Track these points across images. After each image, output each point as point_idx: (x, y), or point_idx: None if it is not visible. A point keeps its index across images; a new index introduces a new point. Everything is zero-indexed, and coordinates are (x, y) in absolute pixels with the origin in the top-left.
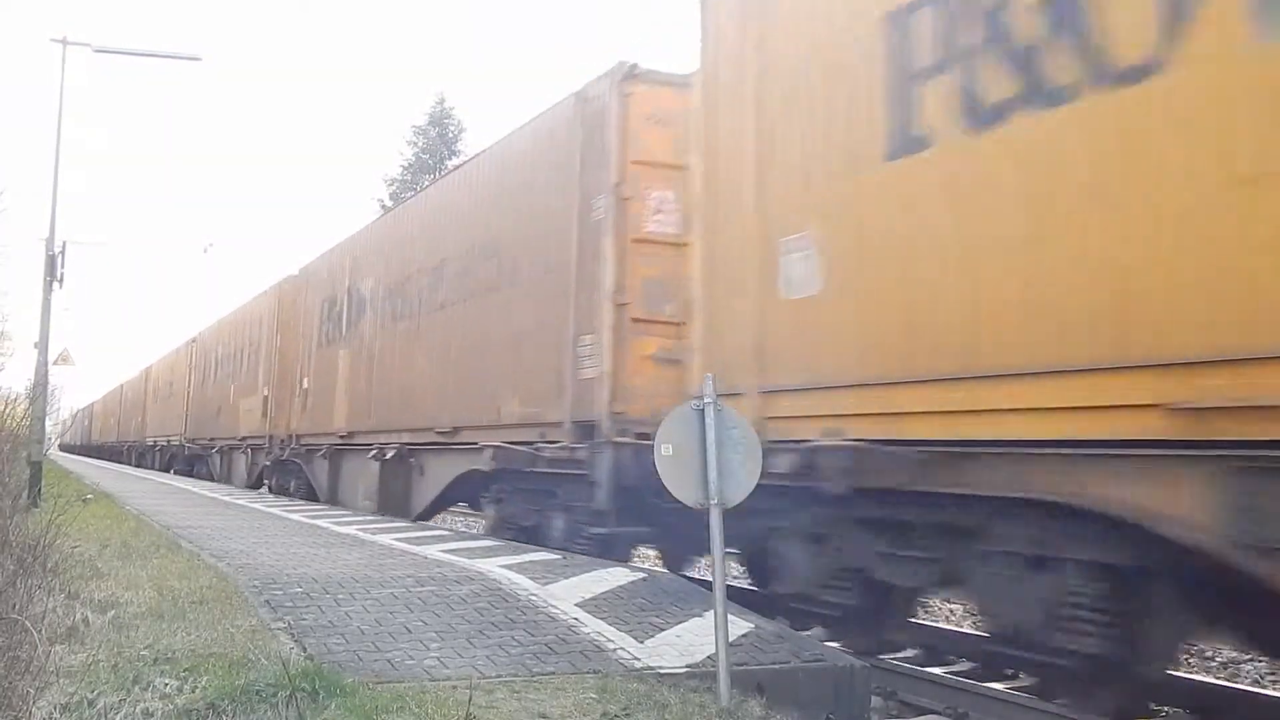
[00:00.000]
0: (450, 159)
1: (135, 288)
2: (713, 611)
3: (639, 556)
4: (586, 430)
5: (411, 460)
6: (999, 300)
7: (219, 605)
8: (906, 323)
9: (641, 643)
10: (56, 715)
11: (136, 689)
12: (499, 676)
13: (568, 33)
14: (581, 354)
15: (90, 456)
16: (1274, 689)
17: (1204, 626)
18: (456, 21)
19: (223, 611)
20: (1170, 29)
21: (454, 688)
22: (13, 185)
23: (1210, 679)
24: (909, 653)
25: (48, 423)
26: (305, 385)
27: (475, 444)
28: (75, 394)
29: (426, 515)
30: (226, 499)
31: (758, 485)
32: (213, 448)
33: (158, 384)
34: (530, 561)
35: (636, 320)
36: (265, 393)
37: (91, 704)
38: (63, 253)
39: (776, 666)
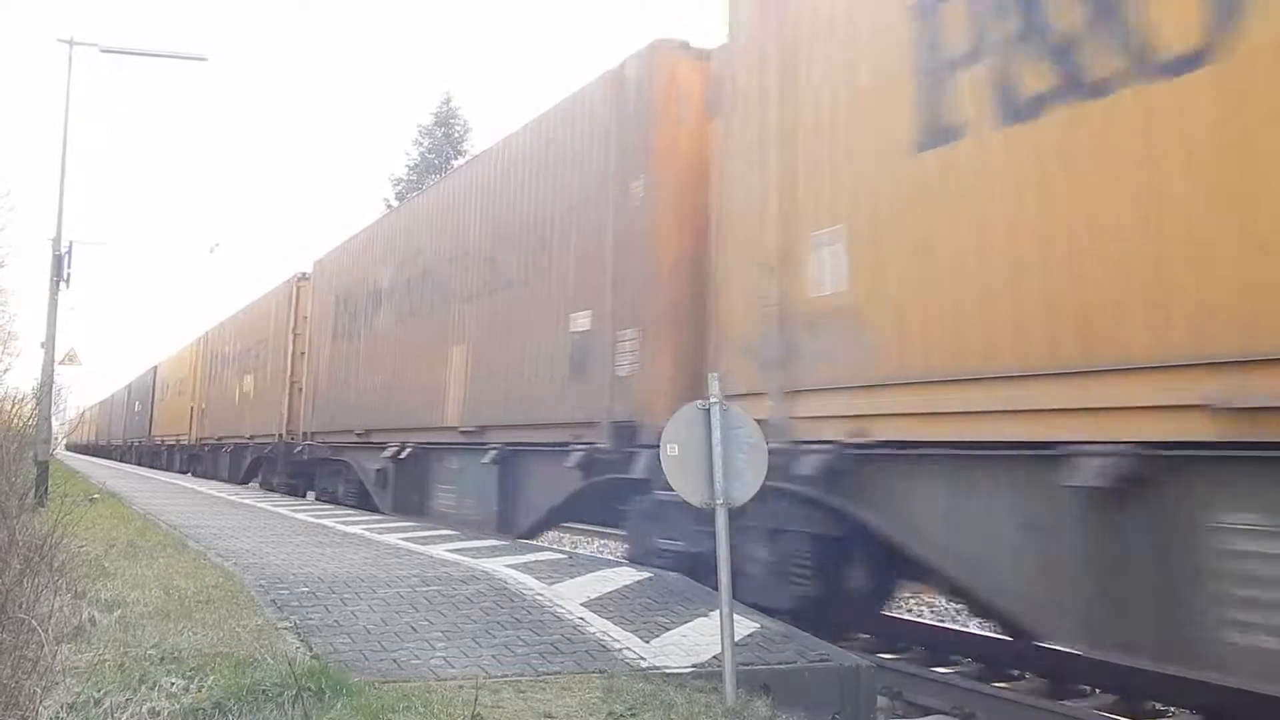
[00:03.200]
0: (456, 159)
1: (142, 288)
2: (718, 611)
3: None
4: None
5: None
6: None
7: (225, 604)
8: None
9: (647, 642)
10: (63, 714)
11: (143, 688)
12: (505, 676)
13: (573, 33)
14: (621, 349)
15: (143, 464)
16: None
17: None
18: (463, 21)
19: (229, 611)
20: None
21: (460, 687)
22: (19, 186)
23: (1215, 679)
24: (914, 653)
25: (54, 422)
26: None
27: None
28: (81, 394)
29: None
30: (233, 498)
31: None
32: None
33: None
34: (536, 561)
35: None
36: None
37: (98, 703)
38: (69, 253)
39: (782, 666)
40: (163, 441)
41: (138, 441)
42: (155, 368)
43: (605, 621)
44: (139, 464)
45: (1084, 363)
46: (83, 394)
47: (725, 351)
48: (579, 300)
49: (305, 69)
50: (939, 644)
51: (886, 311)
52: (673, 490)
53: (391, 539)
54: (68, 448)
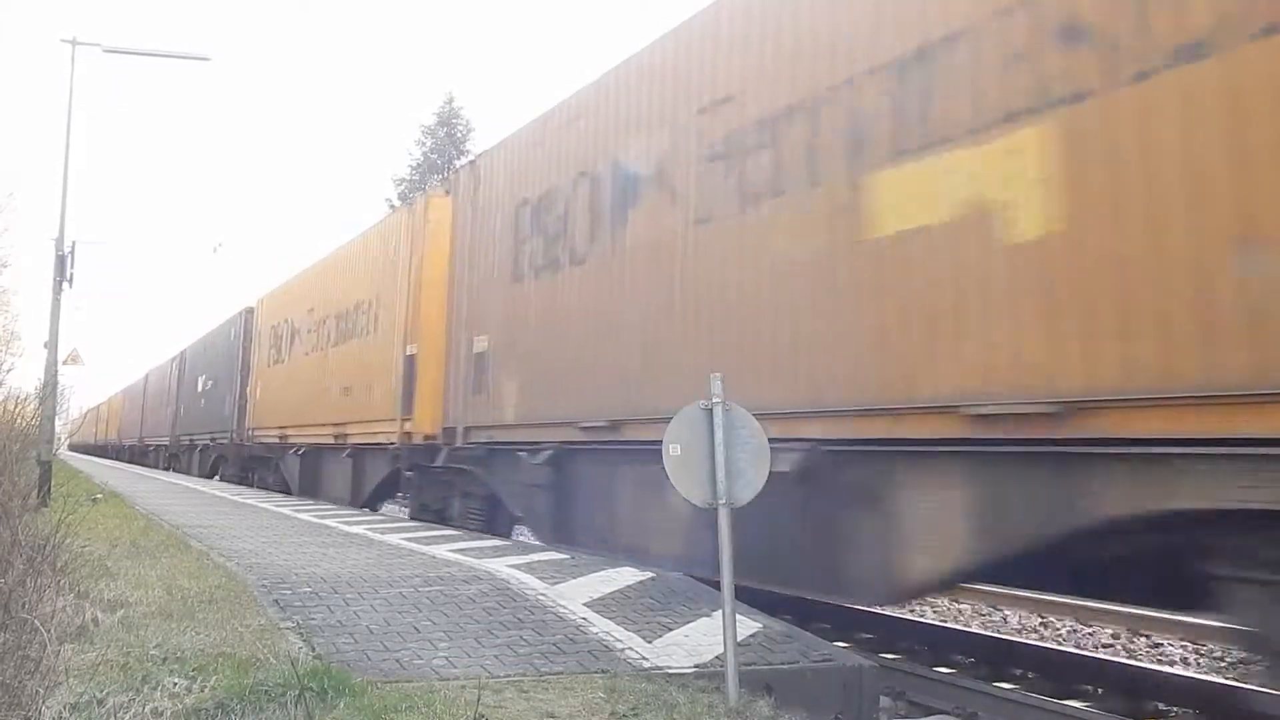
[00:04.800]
0: (459, 158)
1: (145, 287)
2: (721, 611)
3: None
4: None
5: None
6: None
7: (228, 605)
8: None
9: (650, 642)
10: (66, 714)
11: (145, 688)
12: (507, 676)
13: (575, 32)
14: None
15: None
16: None
17: None
18: (465, 21)
19: (232, 611)
20: None
21: (462, 687)
22: (21, 186)
23: (1219, 679)
24: (917, 653)
25: (58, 422)
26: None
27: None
28: (84, 394)
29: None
30: (235, 498)
31: None
32: None
33: None
34: (538, 561)
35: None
36: None
37: (101, 703)
38: (72, 252)
39: (785, 666)
40: (283, 439)
41: (210, 440)
42: (250, 310)
43: (608, 622)
44: (217, 477)
45: None
46: (85, 394)
47: None
48: None
49: (308, 69)
50: (941, 644)
51: None
52: None
53: (394, 539)
54: (72, 448)
